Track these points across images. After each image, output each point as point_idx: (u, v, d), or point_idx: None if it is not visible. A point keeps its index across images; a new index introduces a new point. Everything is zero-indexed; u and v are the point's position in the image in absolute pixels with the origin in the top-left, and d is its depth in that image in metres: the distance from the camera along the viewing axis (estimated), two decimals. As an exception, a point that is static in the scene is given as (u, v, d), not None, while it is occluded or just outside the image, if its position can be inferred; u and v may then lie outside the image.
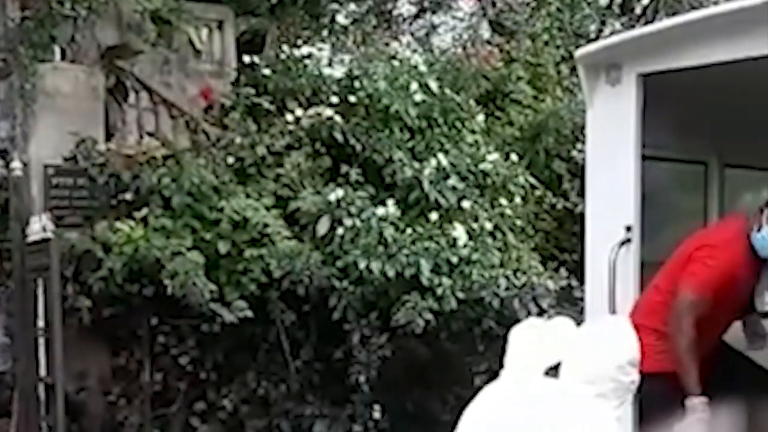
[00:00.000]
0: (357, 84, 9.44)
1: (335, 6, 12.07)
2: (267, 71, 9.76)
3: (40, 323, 7.71)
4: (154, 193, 8.41)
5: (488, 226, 8.68)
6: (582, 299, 6.38)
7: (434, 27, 14.39)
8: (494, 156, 9.34)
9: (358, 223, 8.28)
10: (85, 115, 8.93)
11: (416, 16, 14.75)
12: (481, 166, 9.25)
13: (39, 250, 7.84)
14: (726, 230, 5.47)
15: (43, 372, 7.64)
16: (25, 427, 7.74)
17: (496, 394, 3.79)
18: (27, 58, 8.69)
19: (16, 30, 8.98)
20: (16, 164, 8.39)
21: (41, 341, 7.69)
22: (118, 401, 8.27)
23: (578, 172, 9.42)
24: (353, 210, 8.37)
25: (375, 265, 8.08)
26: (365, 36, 11.64)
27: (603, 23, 14.19)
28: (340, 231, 8.31)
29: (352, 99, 9.29)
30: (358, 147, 9.02)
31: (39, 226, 7.94)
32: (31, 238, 7.97)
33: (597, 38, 12.47)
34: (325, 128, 9.00)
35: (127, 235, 8.04)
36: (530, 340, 3.78)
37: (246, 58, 10.03)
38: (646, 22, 12.81)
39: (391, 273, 8.08)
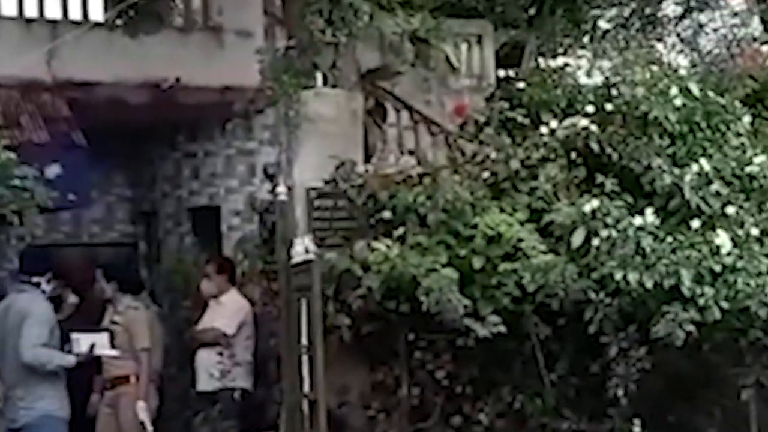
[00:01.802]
0: (614, 91, 9.23)
1: (597, 12, 11.87)
2: (521, 84, 9.72)
3: (304, 341, 7.98)
4: (410, 211, 8.51)
5: (755, 231, 8.23)
6: None
7: (701, 26, 13.87)
8: (762, 158, 8.86)
9: (614, 233, 8.05)
10: (345, 138, 9.19)
11: (682, 16, 14.26)
12: (747, 169, 8.80)
13: (302, 271, 8.13)
14: None
15: (306, 388, 7.90)
16: (292, 441, 8.04)
17: None
18: (291, 86, 9.04)
19: (281, 59, 9.39)
20: (281, 189, 8.76)
21: (305, 359, 7.96)
22: (377, 415, 8.40)
23: None
24: (609, 220, 8.14)
25: (632, 276, 7.83)
26: (628, 40, 11.36)
27: None
28: (595, 242, 8.11)
29: (609, 107, 9.08)
30: (615, 156, 8.80)
31: (302, 248, 8.24)
32: (295, 260, 8.27)
33: None
34: (581, 138, 8.84)
35: (384, 253, 8.20)
36: None
37: (501, 72, 10.05)
38: None
39: (649, 284, 7.81)
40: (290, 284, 8.33)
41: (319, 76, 9.46)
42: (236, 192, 10.22)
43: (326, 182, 8.87)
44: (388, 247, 8.28)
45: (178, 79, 9.58)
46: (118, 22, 9.79)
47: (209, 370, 9.00)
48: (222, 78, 9.81)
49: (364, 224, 8.70)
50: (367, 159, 9.31)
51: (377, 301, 8.15)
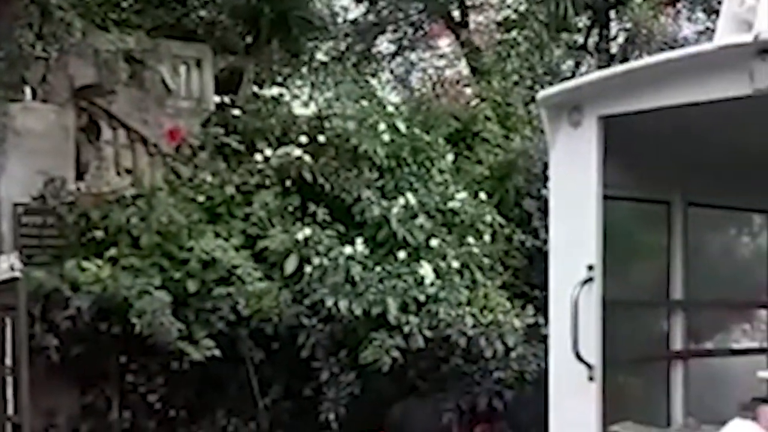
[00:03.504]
0: (326, 124, 9.52)
1: (314, 44, 12.12)
2: (237, 112, 9.84)
3: (8, 362, 7.69)
4: (122, 231, 8.44)
5: (456, 264, 8.73)
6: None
7: (412, 65, 14.49)
8: (463, 195, 9.41)
9: (325, 261, 8.34)
10: (56, 154, 8.97)
11: (395, 54, 14.86)
12: (450, 204, 9.32)
13: (7, 289, 7.83)
14: None
15: (10, 410, 7.61)
16: (-7, 466, 7.72)
17: None
18: (-3, 98, 8.72)
19: (-13, 71, 9.02)
20: (-15, 203, 8.41)
21: (9, 380, 7.67)
22: (86, 439, 8.26)
23: (548, 210, 9.47)
24: (321, 248, 8.43)
25: (342, 304, 8.13)
26: (344, 74, 11.68)
27: (578, 64, 14.32)
28: (308, 269, 8.36)
29: (321, 139, 9.36)
30: (327, 186, 9.09)
31: (7, 265, 7.94)
32: (0, 277, 7.96)
33: (573, 76, 12.57)
34: (294, 168, 9.09)
35: (95, 273, 8.06)
36: None
37: (217, 98, 10.10)
38: (622, 61, 12.93)
39: (358, 311, 8.13)
40: (-6, 302, 8.01)
41: (28, 90, 9.18)
42: (-63, 205, 9.68)
43: (34, 198, 8.61)
44: (99, 267, 8.16)
45: None
46: None
47: None
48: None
49: (74, 243, 8.53)
50: (81, 176, 9.10)
51: (87, 322, 7.99)
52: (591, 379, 5.95)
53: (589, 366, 5.95)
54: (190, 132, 9.76)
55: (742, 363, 8.20)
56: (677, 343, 7.79)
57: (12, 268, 7.88)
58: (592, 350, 5.96)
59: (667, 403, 7.66)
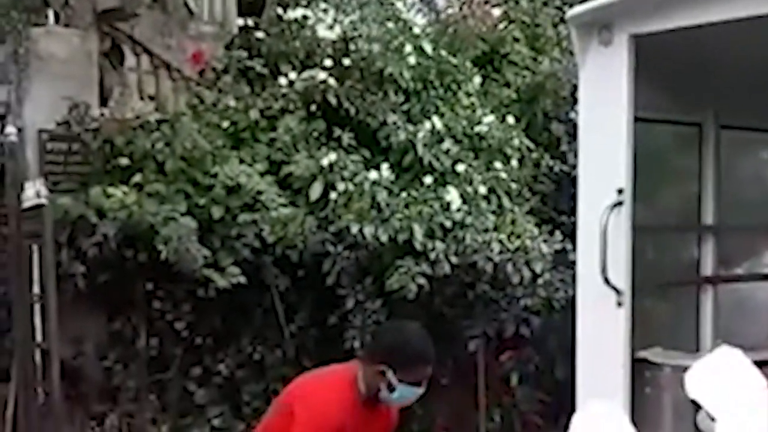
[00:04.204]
0: (351, 46, 9.37)
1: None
2: (260, 34, 9.70)
3: (36, 289, 7.72)
4: (147, 158, 8.38)
5: (482, 189, 8.63)
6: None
7: (438, -15, 14.16)
8: (490, 118, 9.26)
9: (350, 187, 8.25)
10: (79, 80, 8.88)
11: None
12: (477, 128, 9.17)
13: (34, 216, 7.84)
14: (330, 382, 4.74)
15: (39, 338, 7.66)
16: (24, 392, 7.78)
17: None
18: (20, 22, 8.63)
19: (9, -6, 8.93)
20: (10, 129, 8.36)
21: (37, 307, 7.71)
22: (114, 366, 8.24)
23: (576, 134, 9.36)
24: (346, 174, 8.34)
25: (368, 230, 8.05)
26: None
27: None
28: (333, 195, 8.29)
29: (346, 62, 9.20)
30: (352, 110, 8.95)
31: (33, 192, 7.92)
32: (26, 204, 7.95)
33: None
34: (319, 91, 8.94)
35: (121, 200, 8.03)
36: None
37: (240, 21, 9.96)
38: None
39: (384, 237, 8.06)
40: (21, 230, 8.01)
41: (50, 14, 9.09)
42: (-40, 132, 9.67)
43: (59, 124, 8.56)
44: (125, 193, 8.12)
45: None
46: None
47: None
48: (-56, 10, 9.21)
49: (99, 169, 8.47)
50: (104, 102, 9.03)
51: (113, 249, 7.96)
52: (620, 304, 5.91)
53: (617, 291, 5.92)
54: (213, 56, 9.63)
55: (773, 288, 8.13)
56: (707, 269, 7.74)
57: (38, 195, 7.86)
58: (621, 275, 5.92)
59: (696, 328, 7.63)
